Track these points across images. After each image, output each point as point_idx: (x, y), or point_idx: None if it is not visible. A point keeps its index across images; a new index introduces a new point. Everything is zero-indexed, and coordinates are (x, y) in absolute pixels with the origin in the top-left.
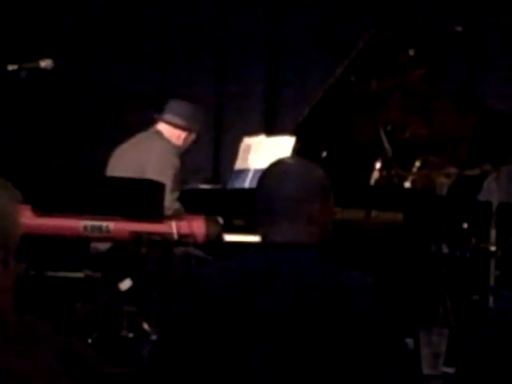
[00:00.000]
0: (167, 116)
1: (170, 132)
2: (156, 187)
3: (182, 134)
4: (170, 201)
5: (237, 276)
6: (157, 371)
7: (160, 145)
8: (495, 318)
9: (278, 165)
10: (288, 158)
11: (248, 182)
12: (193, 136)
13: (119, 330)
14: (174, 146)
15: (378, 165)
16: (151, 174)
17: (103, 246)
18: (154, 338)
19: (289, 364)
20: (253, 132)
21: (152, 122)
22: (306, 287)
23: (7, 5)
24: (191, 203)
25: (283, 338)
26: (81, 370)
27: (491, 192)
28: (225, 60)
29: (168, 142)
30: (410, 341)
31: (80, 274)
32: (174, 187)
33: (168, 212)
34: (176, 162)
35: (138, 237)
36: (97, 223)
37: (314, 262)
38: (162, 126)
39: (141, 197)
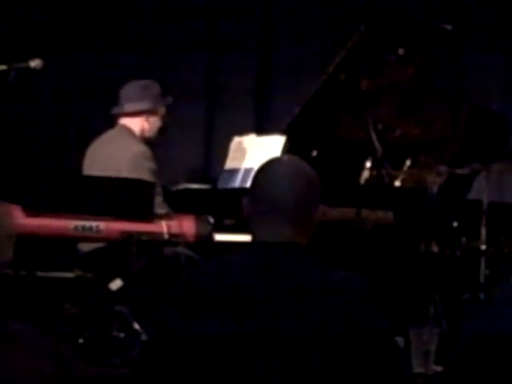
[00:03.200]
0: (124, 107)
1: (135, 122)
2: (146, 187)
3: (150, 118)
4: (158, 205)
5: (230, 277)
6: (146, 372)
7: (132, 150)
8: (482, 314)
9: (272, 164)
10: (281, 157)
11: (238, 182)
12: (161, 112)
13: (110, 330)
14: (145, 139)
15: (368, 164)
16: None
17: (86, 247)
18: (144, 338)
19: (282, 366)
20: (243, 131)
21: (115, 118)
22: (299, 287)
23: None
24: (182, 203)
25: (277, 338)
26: (63, 371)
27: (481, 191)
28: (216, 59)
29: (138, 140)
30: (400, 339)
31: (70, 274)
32: (157, 190)
33: (160, 211)
34: (151, 165)
35: (128, 237)
36: (87, 223)
37: (306, 262)
38: (125, 120)
39: (131, 197)
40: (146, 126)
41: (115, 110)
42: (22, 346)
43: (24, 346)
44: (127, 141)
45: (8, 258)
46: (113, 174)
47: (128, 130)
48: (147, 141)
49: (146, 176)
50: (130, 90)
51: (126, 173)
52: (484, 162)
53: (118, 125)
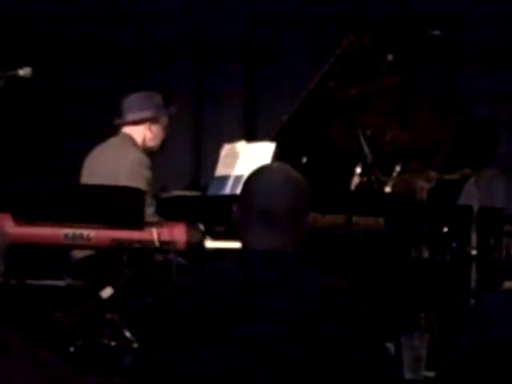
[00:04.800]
0: (127, 116)
1: (138, 130)
2: (136, 194)
3: (153, 127)
4: (149, 216)
5: (219, 286)
6: (139, 381)
7: (131, 156)
8: (475, 320)
9: (262, 172)
10: (271, 164)
11: (229, 189)
12: (164, 122)
13: (101, 339)
14: (146, 149)
15: (358, 170)
16: None
17: (80, 254)
18: (135, 345)
19: (269, 374)
20: (233, 138)
21: (117, 128)
22: (289, 295)
23: None
24: (172, 210)
25: (262, 347)
26: (51, 381)
27: (471, 196)
28: (203, 66)
29: (139, 148)
30: (391, 345)
31: (61, 283)
32: (150, 201)
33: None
34: (148, 173)
35: (119, 244)
36: (78, 231)
37: (296, 269)
38: (127, 129)
39: (121, 204)
40: (149, 134)
41: (117, 121)
42: (7, 354)
43: (10, 355)
44: (127, 148)
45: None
46: (111, 180)
47: (129, 138)
48: (149, 151)
49: (141, 183)
50: (132, 100)
51: (123, 179)
52: (474, 168)
53: (121, 133)
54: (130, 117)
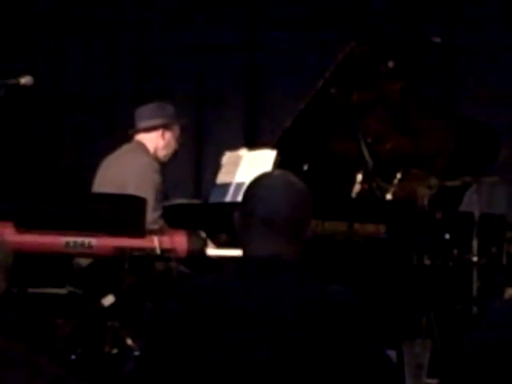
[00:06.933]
0: (139, 124)
1: (151, 138)
2: (137, 202)
3: (166, 134)
4: (153, 221)
5: (221, 293)
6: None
7: (141, 161)
8: (478, 326)
9: (263, 179)
10: (273, 171)
11: (230, 196)
12: (176, 132)
13: (103, 346)
14: (157, 158)
15: (359, 177)
16: (132, 192)
17: (85, 261)
18: (137, 353)
19: (269, 382)
20: (234, 146)
21: (131, 137)
22: (289, 301)
23: None
24: (173, 218)
25: (260, 359)
26: None
27: (472, 203)
28: (204, 74)
29: (150, 155)
30: (392, 353)
31: (63, 291)
32: (156, 206)
33: (152, 227)
34: (156, 177)
35: (120, 252)
36: (79, 239)
37: (296, 276)
38: (140, 136)
39: (123, 212)
40: (161, 142)
41: (131, 131)
42: (8, 363)
43: (11, 363)
44: (137, 154)
45: (1, 289)
46: (121, 185)
47: (141, 145)
48: (160, 160)
49: (149, 187)
50: (143, 109)
51: (132, 183)
52: (475, 175)
53: (133, 140)
54: (141, 125)
